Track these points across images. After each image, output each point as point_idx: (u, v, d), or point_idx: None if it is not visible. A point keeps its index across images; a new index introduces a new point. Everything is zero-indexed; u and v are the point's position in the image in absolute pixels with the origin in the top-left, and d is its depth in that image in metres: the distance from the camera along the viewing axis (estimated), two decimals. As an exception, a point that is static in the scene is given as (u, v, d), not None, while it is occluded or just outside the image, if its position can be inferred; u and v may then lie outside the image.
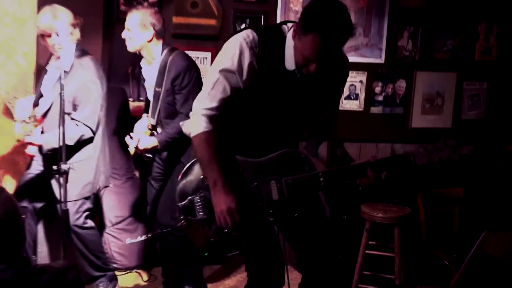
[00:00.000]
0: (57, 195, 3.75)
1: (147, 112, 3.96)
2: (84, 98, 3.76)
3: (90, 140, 3.86)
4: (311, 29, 2.36)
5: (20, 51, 4.30)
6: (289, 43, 2.53)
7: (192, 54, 4.60)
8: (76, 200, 3.82)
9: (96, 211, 4.36)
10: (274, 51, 2.54)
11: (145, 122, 3.96)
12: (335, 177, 2.51)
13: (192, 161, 2.69)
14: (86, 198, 3.94)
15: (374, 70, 5.06)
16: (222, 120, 2.60)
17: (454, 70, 5.24)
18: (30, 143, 3.83)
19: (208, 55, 4.71)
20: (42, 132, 3.85)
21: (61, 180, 3.01)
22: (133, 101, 4.58)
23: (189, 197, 2.64)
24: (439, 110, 5.24)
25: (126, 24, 3.82)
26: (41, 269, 2.28)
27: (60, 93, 3.26)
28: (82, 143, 3.82)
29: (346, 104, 5.00)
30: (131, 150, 3.90)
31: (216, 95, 2.53)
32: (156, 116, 3.85)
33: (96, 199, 4.23)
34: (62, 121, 3.04)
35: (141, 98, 4.58)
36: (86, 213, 3.96)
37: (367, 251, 4.25)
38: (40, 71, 4.20)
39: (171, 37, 4.58)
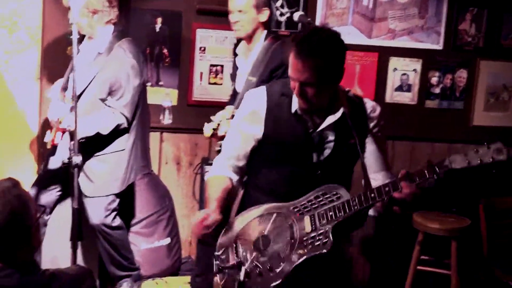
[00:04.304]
0: (83, 190, 3.85)
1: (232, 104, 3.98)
2: (123, 85, 3.85)
3: (124, 131, 3.95)
4: (292, 45, 2.57)
5: (24, 26, 4.38)
6: None
7: (220, 33, 4.64)
8: (106, 196, 3.94)
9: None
10: (284, 102, 2.77)
11: (227, 112, 3.95)
12: (368, 198, 2.61)
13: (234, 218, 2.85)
14: (116, 195, 4.03)
15: (430, 58, 5.03)
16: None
17: (525, 60, 5.20)
18: (62, 130, 3.86)
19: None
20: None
21: (74, 175, 3.04)
22: (152, 85, 4.61)
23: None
24: (505, 106, 5.20)
25: (236, 4, 3.81)
26: (52, 275, 2.32)
27: (73, 75, 3.32)
28: (115, 133, 3.90)
29: (397, 97, 4.98)
30: (208, 132, 3.92)
31: (230, 149, 2.87)
32: None
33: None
34: (74, 106, 3.09)
35: (161, 83, 4.62)
36: (115, 211, 4.05)
37: (418, 267, 4.25)
38: (48, 51, 4.28)
39: (196, 13, 4.62)
